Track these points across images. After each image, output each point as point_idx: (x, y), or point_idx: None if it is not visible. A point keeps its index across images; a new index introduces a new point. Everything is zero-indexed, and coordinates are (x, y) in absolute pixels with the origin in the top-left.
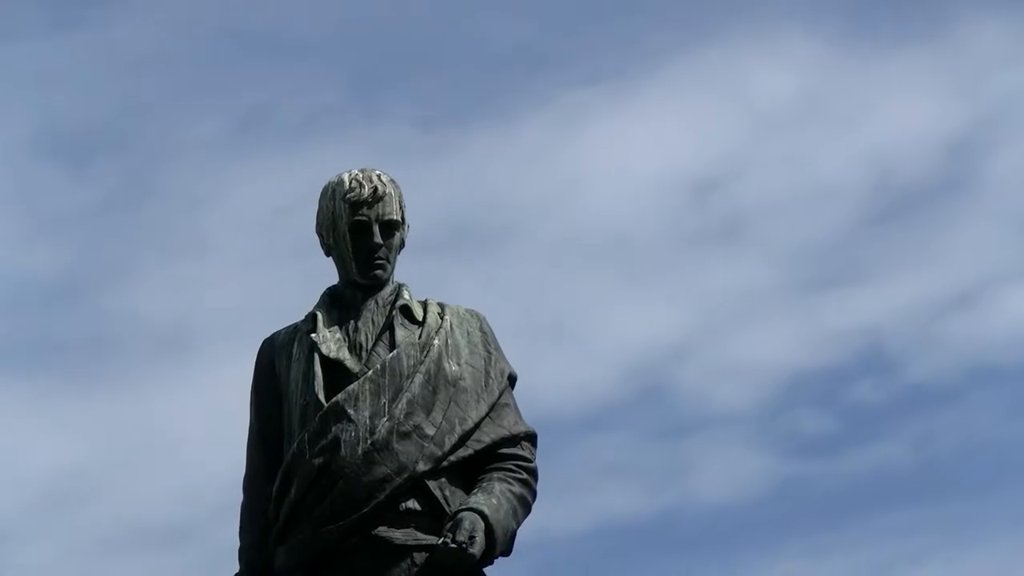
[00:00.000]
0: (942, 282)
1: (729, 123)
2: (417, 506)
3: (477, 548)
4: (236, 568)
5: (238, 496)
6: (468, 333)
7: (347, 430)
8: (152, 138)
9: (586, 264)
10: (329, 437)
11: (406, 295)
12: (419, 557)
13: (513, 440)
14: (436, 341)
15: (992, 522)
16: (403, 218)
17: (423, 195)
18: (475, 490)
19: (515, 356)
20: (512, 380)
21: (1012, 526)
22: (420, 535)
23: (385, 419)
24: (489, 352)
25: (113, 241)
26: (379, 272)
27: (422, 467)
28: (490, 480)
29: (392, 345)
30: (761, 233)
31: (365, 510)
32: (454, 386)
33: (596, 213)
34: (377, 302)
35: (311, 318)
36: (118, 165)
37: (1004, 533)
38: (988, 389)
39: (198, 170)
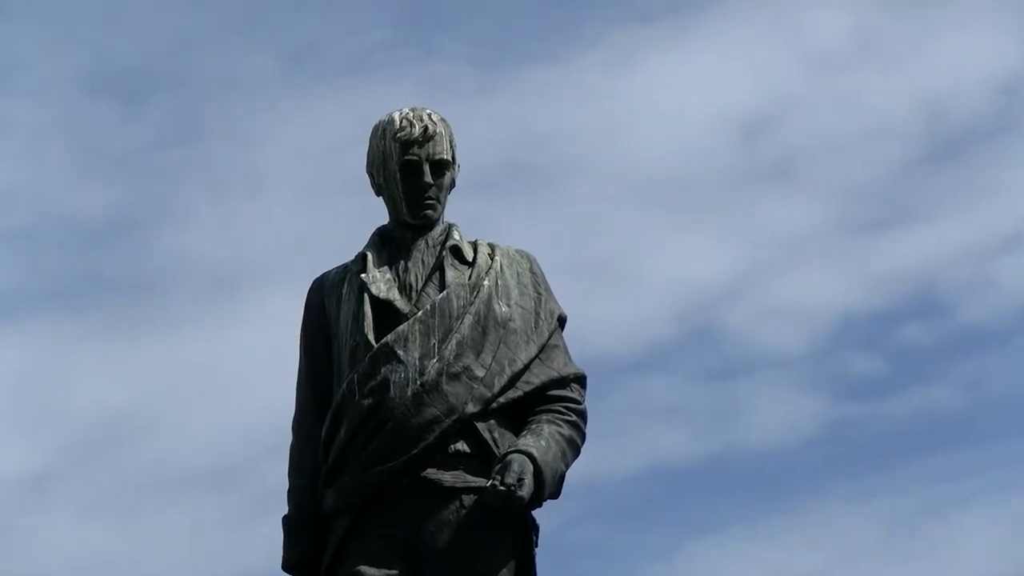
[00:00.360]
0: (994, 224)
1: (782, 62)
2: (466, 448)
3: (526, 490)
4: (285, 509)
5: (287, 437)
6: (518, 274)
7: (396, 371)
8: (204, 75)
9: (637, 203)
10: (378, 378)
11: (456, 235)
12: (468, 499)
13: (563, 382)
14: (486, 282)
15: None
16: (453, 157)
17: (474, 134)
18: (524, 432)
19: (565, 297)
20: (562, 321)
21: None
22: (469, 477)
23: (435, 360)
24: (539, 293)
25: (165, 179)
26: (429, 212)
27: (471, 409)
28: (539, 422)
29: (442, 286)
30: (812, 173)
31: (414, 451)
32: (504, 327)
33: (648, 152)
34: (427, 242)
35: (361, 258)
36: (170, 103)
37: None
38: None
39: (250, 108)
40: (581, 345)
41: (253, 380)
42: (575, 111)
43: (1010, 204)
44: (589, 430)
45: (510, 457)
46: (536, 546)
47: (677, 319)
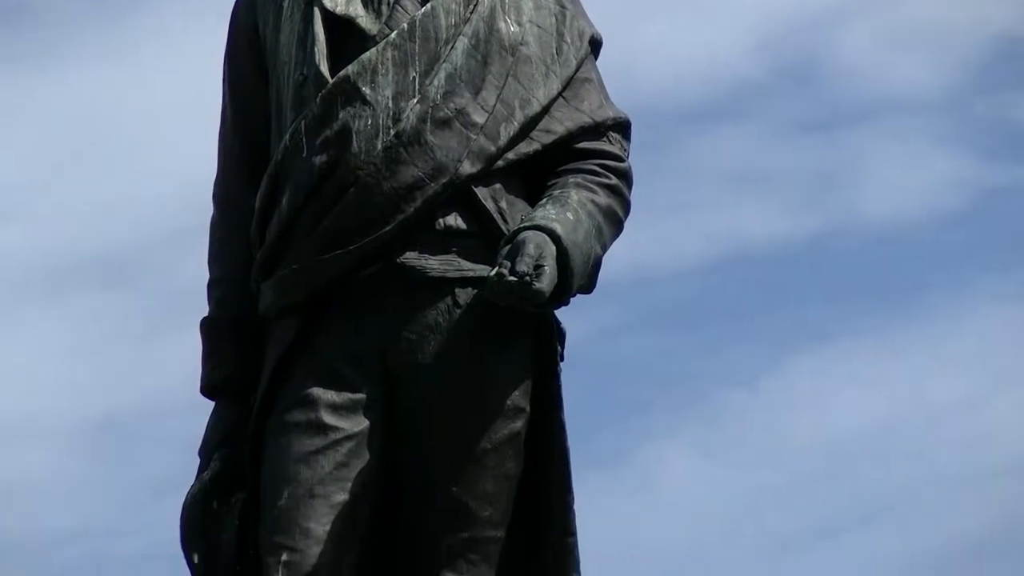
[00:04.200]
0: None
1: None
2: (461, 223)
3: (546, 282)
4: (204, 310)
5: (207, 212)
6: None
7: (361, 116)
8: None
9: None
10: (335, 126)
11: None
12: (463, 294)
13: (597, 130)
14: None
15: None
16: None
17: None
18: (543, 200)
19: (601, 13)
20: (595, 46)
21: None
22: (465, 264)
23: (415, 100)
24: (562, 6)
25: None
26: None
27: (468, 168)
28: (564, 187)
29: None
30: None
31: (387, 228)
32: (513, 54)
33: None
34: None
35: None
36: None
37: None
38: None
39: None
40: (625, 82)
41: (158, 133)
42: None
43: None
44: (637, 201)
45: (524, 235)
46: (561, 360)
47: (764, 47)
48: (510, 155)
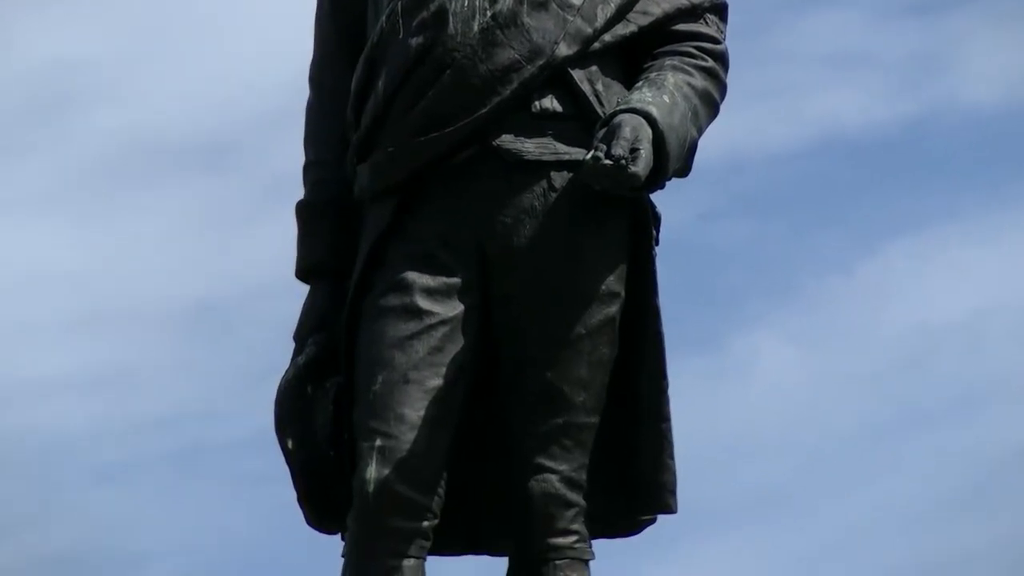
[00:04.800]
0: None
1: None
2: (557, 106)
3: (641, 165)
4: (299, 193)
5: (304, 95)
6: None
7: None
8: None
9: None
10: (432, 8)
11: None
12: (559, 177)
13: (693, 12)
14: None
15: None
16: None
17: None
18: (639, 82)
19: None
20: None
21: None
22: (561, 146)
23: None
24: None
25: None
26: None
27: (564, 50)
28: (660, 69)
29: None
30: None
31: (483, 111)
32: None
33: None
34: None
35: None
36: None
37: None
38: None
39: None
40: None
41: (255, 14)
42: None
43: None
44: (733, 85)
45: (620, 118)
46: (656, 244)
47: None
48: (606, 37)
